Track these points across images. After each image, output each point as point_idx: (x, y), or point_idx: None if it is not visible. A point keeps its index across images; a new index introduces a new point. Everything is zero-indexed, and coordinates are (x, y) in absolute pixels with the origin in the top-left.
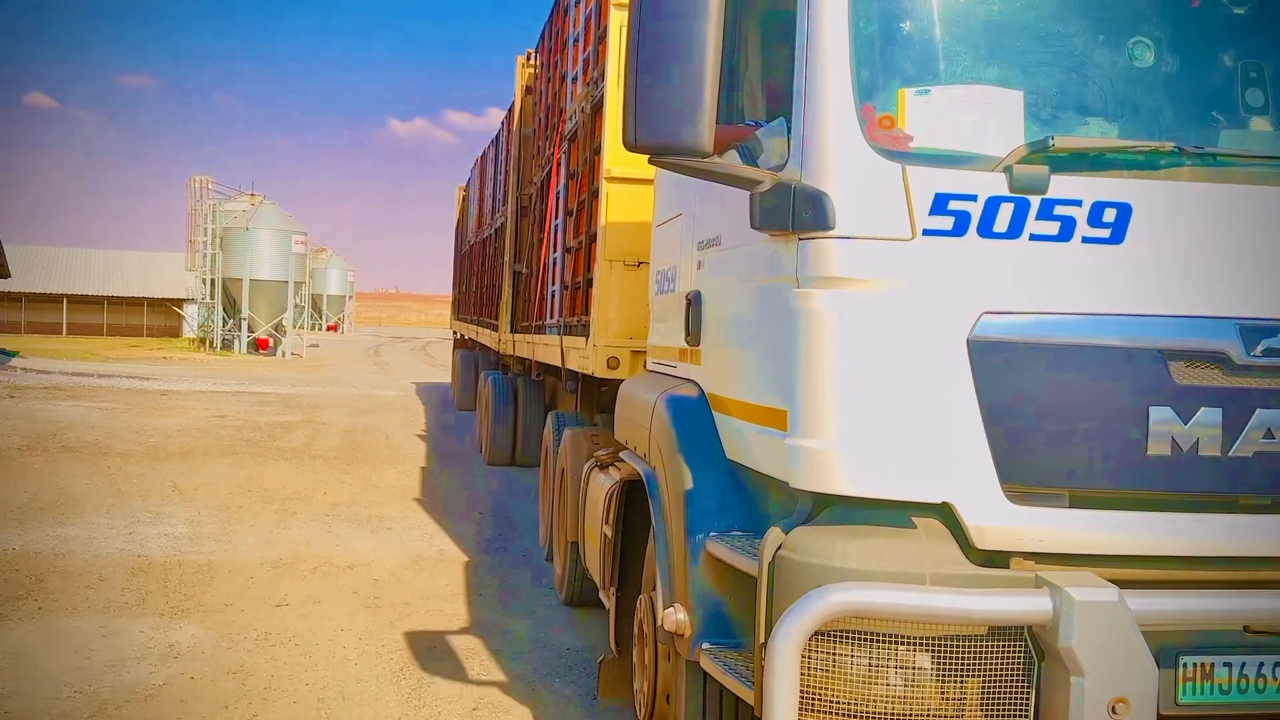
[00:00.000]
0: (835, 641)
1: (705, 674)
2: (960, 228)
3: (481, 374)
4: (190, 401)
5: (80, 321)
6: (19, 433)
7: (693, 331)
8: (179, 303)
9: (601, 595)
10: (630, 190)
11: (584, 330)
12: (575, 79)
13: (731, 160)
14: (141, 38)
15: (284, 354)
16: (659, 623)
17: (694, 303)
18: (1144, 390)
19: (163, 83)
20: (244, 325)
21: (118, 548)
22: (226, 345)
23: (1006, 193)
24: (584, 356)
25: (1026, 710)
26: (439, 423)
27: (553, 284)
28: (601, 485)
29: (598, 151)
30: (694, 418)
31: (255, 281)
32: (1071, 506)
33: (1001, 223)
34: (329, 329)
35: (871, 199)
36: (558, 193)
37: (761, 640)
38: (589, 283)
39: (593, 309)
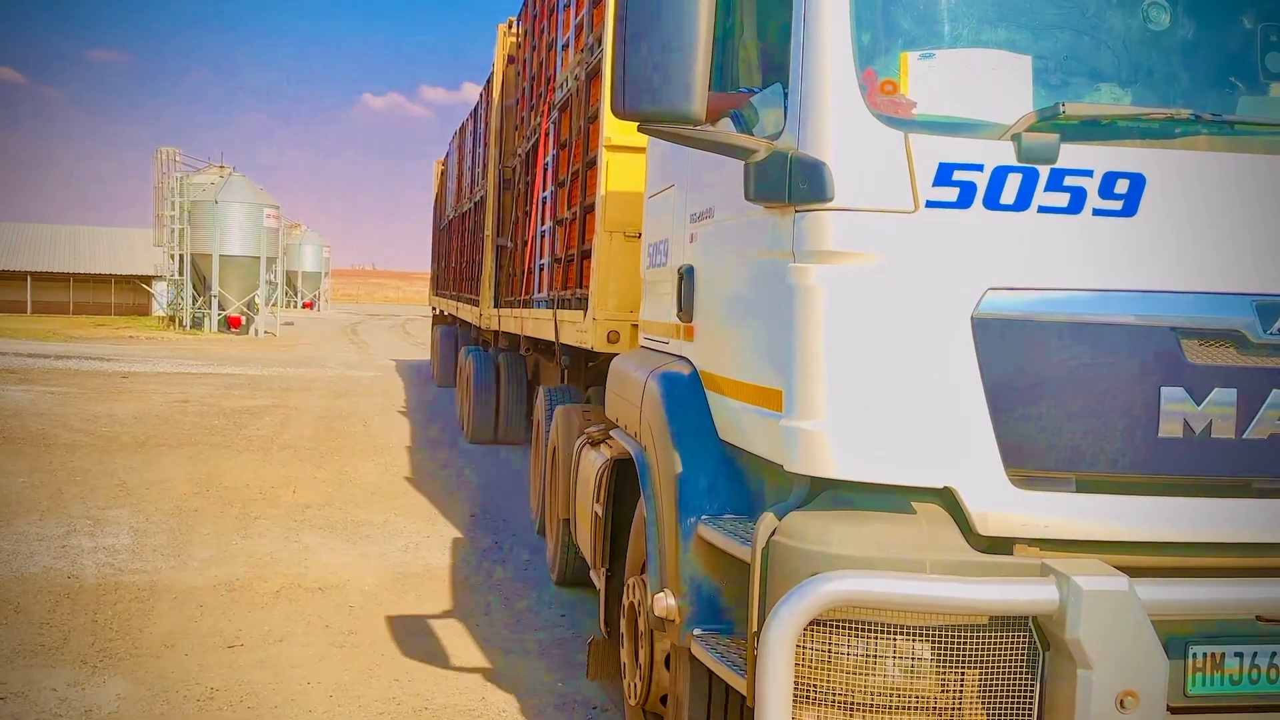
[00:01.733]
0: (831, 631)
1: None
2: (965, 199)
3: (462, 350)
4: (152, 384)
5: (45, 300)
6: None
7: (685, 307)
8: (148, 280)
9: (592, 575)
10: (630, 159)
11: (580, 303)
12: (567, 45)
13: (725, 128)
14: (111, 13)
15: (257, 332)
16: (649, 607)
17: (686, 277)
18: (1155, 370)
19: (132, 58)
20: (214, 303)
21: (45, 565)
22: (197, 324)
23: (1014, 162)
24: (581, 330)
25: (1030, 703)
26: (420, 403)
27: (541, 257)
28: (592, 463)
29: (594, 120)
30: (686, 396)
31: (225, 257)
32: (1078, 491)
33: (1009, 194)
34: (304, 306)
35: (872, 169)
36: (546, 164)
37: (755, 628)
38: (584, 255)
39: (591, 281)
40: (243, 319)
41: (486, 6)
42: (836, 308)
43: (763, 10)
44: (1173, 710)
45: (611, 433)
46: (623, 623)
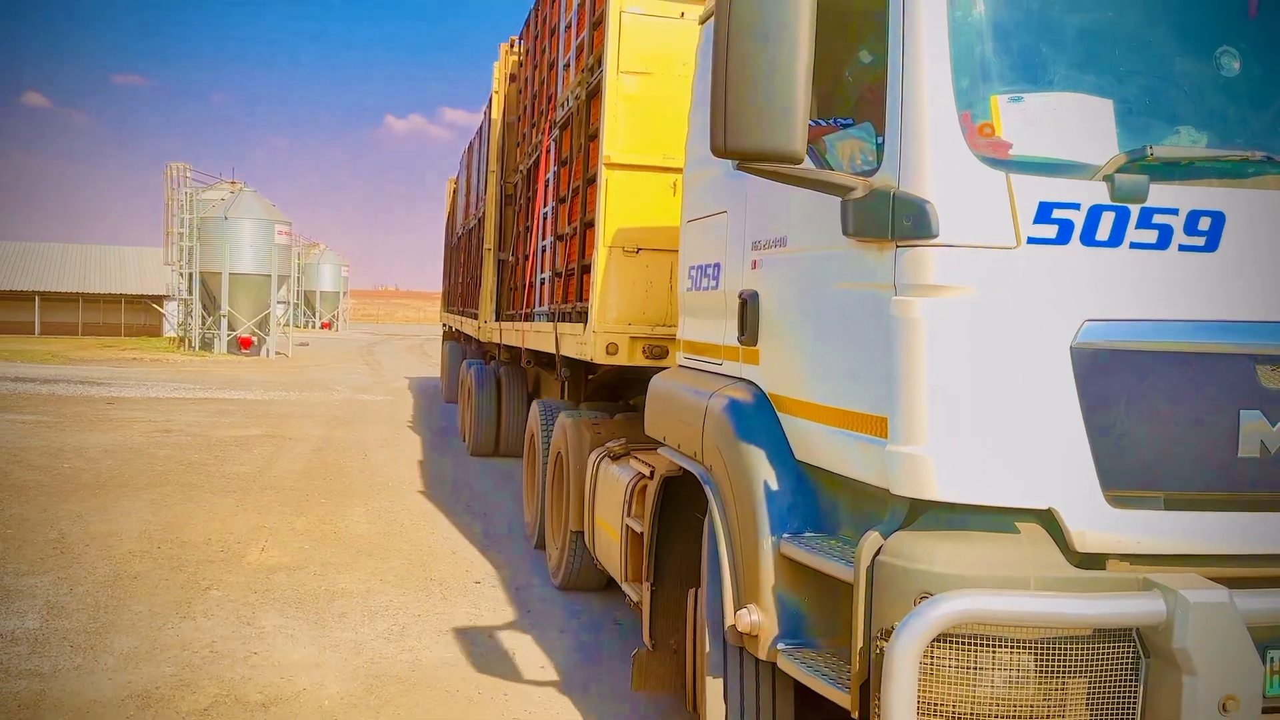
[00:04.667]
0: (946, 646)
1: (776, 671)
2: (1064, 236)
3: (463, 364)
4: (137, 411)
5: (54, 320)
6: None
7: (748, 331)
8: (159, 300)
9: (627, 588)
10: (629, 176)
11: (580, 317)
12: (568, 65)
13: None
14: (136, 38)
15: (268, 353)
16: (729, 623)
17: (750, 302)
18: (1234, 394)
19: (156, 82)
20: (223, 323)
21: None
22: (206, 345)
23: (1108, 201)
24: (582, 343)
25: (1134, 708)
26: (427, 426)
27: (542, 271)
28: (618, 478)
29: (593, 138)
30: (756, 419)
31: (235, 275)
32: (1166, 509)
33: (1104, 231)
34: (323, 326)
35: (976, 207)
36: (547, 180)
37: (860, 644)
38: (585, 269)
39: (591, 296)
40: (254, 339)
41: (509, 29)
42: (941, 339)
43: (843, 49)
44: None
45: (660, 450)
46: (689, 635)
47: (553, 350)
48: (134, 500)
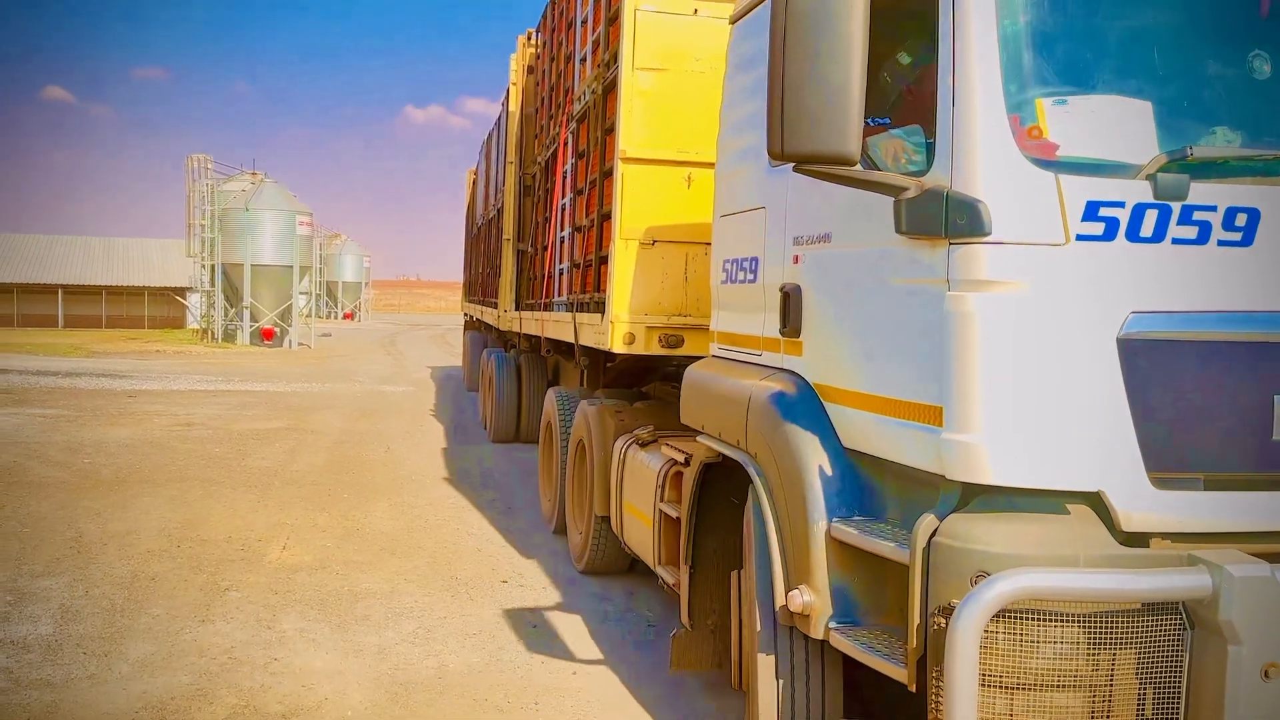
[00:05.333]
0: (1003, 621)
1: (823, 649)
2: (1110, 233)
3: (484, 353)
4: (159, 404)
5: (78, 313)
6: None
7: (791, 324)
8: (182, 292)
9: (661, 571)
10: (645, 170)
11: (598, 307)
12: (584, 60)
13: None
14: (156, 31)
15: (291, 345)
16: (780, 604)
17: (793, 296)
18: (1270, 380)
19: (176, 75)
20: (246, 315)
21: None
22: (229, 336)
23: (1151, 199)
24: (600, 333)
25: (1180, 676)
26: (449, 416)
27: (561, 262)
28: (648, 464)
29: (610, 131)
30: (803, 408)
31: (257, 266)
32: (1206, 489)
33: (1147, 228)
34: (345, 317)
35: (1027, 207)
36: (565, 172)
37: (916, 621)
38: (602, 260)
39: (609, 287)
40: (276, 331)
41: (528, 19)
42: (993, 332)
43: (883, 53)
44: None
45: (699, 438)
46: (732, 614)
47: (572, 340)
48: (154, 497)
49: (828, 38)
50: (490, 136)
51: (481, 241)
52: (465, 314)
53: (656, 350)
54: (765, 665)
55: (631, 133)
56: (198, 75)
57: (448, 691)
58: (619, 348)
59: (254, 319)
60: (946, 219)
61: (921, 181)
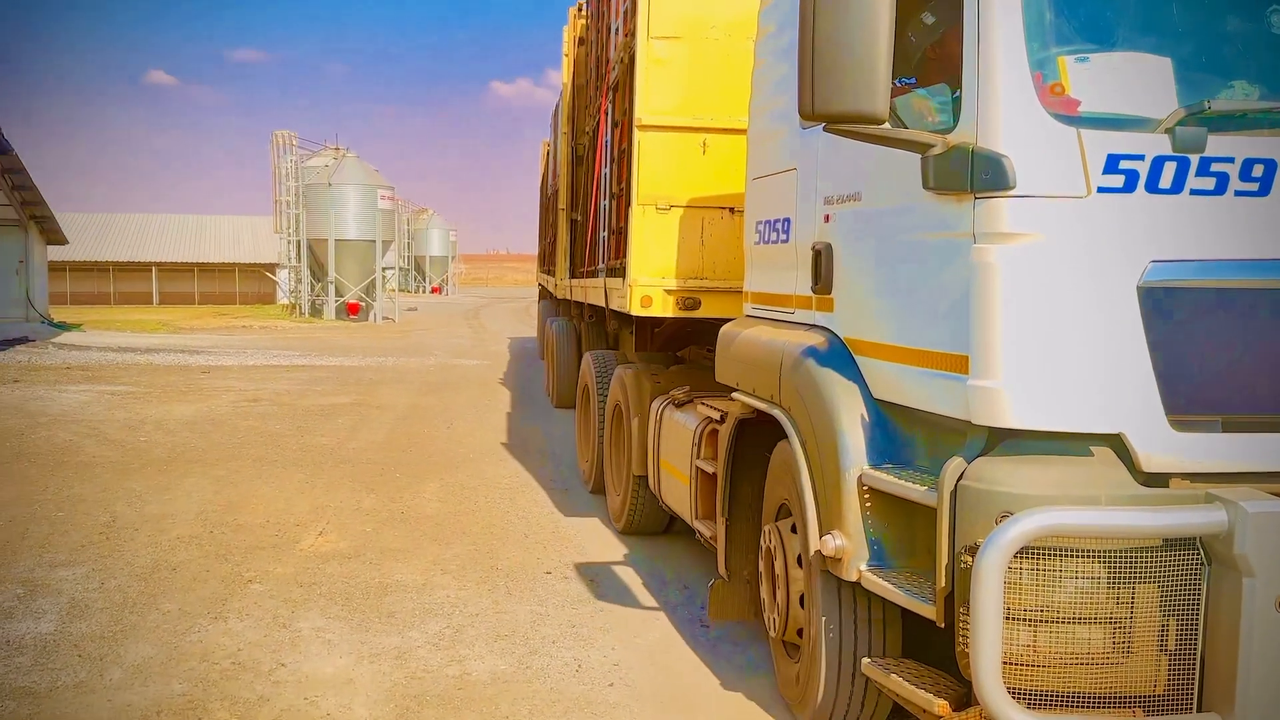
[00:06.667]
0: (1027, 559)
1: (845, 588)
2: (1130, 184)
3: (548, 321)
4: (231, 380)
5: (171, 290)
6: None
7: (823, 281)
8: (271, 268)
9: (699, 525)
10: (661, 137)
11: (624, 272)
12: (617, 30)
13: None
14: (253, 14)
15: (375, 318)
16: (813, 549)
17: (825, 253)
18: None
19: (272, 56)
20: (331, 289)
21: None
22: (316, 311)
23: (1170, 152)
24: (621, 297)
25: (1197, 609)
26: (519, 396)
27: (603, 230)
28: (684, 423)
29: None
30: (836, 362)
31: (341, 241)
32: (1224, 431)
33: (1166, 179)
34: (432, 291)
35: (1050, 161)
36: (605, 141)
37: (945, 561)
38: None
39: (628, 252)
40: (361, 305)
41: None
42: (1018, 282)
43: (908, 13)
44: None
45: (734, 395)
46: (760, 565)
47: (604, 305)
48: (201, 477)
49: (855, 3)
50: (556, 109)
51: (549, 212)
52: (539, 284)
53: (674, 313)
54: (823, 610)
55: (648, 100)
56: (293, 56)
57: (465, 707)
58: (637, 310)
59: (339, 294)
60: (972, 174)
61: (947, 138)
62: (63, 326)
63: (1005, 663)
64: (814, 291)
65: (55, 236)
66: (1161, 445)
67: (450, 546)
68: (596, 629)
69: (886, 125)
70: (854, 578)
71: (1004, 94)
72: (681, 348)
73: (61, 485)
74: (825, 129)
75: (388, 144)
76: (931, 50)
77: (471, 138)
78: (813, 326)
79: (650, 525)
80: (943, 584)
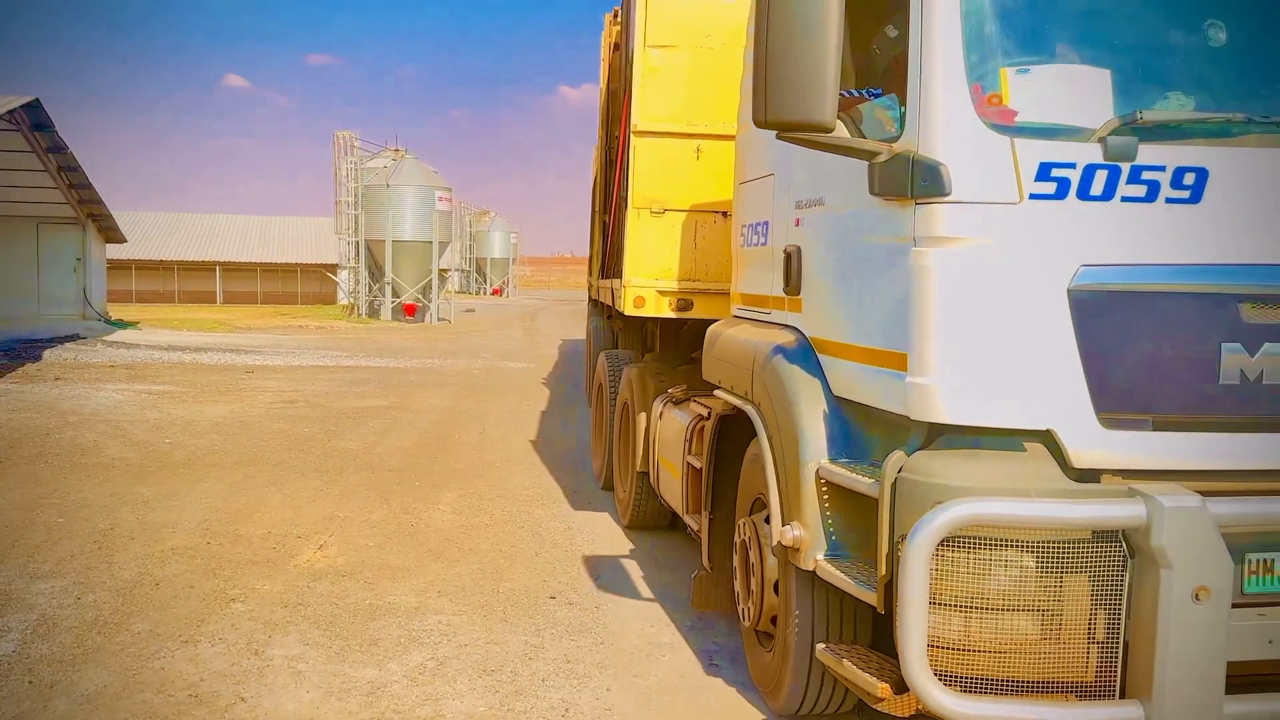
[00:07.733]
0: (956, 548)
1: (815, 579)
2: (1061, 191)
3: (589, 321)
4: (272, 380)
5: (234, 290)
6: (3, 429)
7: (793, 283)
8: (332, 268)
9: (688, 519)
10: (655, 142)
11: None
12: (635, 37)
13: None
14: (328, 19)
15: (432, 319)
16: (775, 539)
17: (794, 256)
18: (1217, 328)
19: (346, 61)
20: (388, 290)
21: None
22: (374, 312)
23: (1101, 160)
24: (618, 297)
25: (1121, 599)
26: (561, 399)
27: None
28: (679, 420)
29: None
30: (800, 361)
31: (398, 242)
32: (1155, 430)
33: (1097, 186)
34: (493, 293)
35: (984, 168)
36: (624, 145)
37: (885, 550)
38: None
39: (623, 253)
40: (418, 306)
41: None
42: (953, 284)
43: (873, 25)
44: (1234, 605)
45: (715, 392)
46: (735, 558)
47: (613, 304)
48: (214, 482)
49: (806, 12)
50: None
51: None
52: (588, 286)
53: (667, 313)
54: (795, 600)
55: (643, 107)
56: (365, 61)
57: None
58: (630, 310)
59: (396, 294)
60: (912, 181)
61: (892, 147)
62: (119, 325)
63: (940, 647)
64: (785, 293)
65: (113, 235)
66: (1090, 442)
67: (454, 565)
68: (593, 665)
69: (843, 134)
70: (810, 566)
71: (942, 104)
72: (699, 348)
73: (70, 489)
74: (777, 137)
75: (455, 146)
76: (894, 62)
77: (540, 141)
78: (785, 326)
79: (653, 521)
80: (883, 572)
